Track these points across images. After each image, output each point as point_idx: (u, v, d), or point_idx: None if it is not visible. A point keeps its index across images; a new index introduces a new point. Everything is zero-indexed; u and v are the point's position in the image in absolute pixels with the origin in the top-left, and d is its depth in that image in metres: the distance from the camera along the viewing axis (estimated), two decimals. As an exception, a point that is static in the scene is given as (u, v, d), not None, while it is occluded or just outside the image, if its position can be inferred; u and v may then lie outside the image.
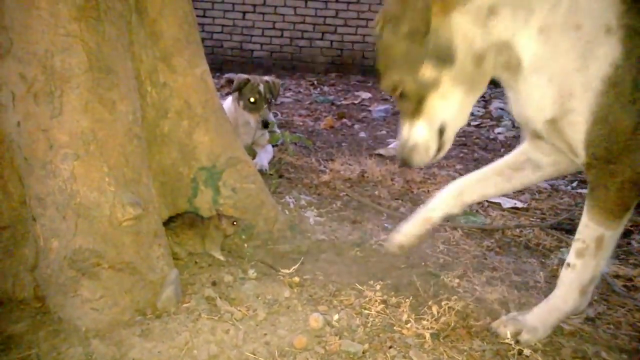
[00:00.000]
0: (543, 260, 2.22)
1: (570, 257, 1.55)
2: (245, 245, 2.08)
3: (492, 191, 1.82)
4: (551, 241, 2.40)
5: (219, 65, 7.19)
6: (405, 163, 1.59)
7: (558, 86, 1.39)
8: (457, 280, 1.90)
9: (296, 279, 1.85)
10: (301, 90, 6.60)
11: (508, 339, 1.54)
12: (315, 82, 7.03)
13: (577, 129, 1.39)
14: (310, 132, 4.49)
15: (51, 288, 1.56)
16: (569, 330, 1.66)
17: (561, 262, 2.15)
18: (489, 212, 2.77)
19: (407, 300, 1.72)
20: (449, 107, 1.49)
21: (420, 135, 1.53)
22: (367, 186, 3.04)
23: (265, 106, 3.36)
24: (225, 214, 2.01)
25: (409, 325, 1.60)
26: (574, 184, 3.27)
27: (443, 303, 1.71)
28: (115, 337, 1.47)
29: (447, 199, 1.79)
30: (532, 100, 1.47)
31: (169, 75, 1.97)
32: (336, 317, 1.63)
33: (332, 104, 5.79)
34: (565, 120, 1.40)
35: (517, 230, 2.51)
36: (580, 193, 3.09)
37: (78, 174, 1.53)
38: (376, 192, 2.96)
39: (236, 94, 3.38)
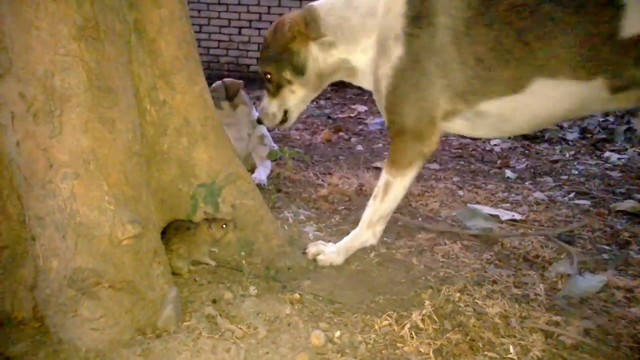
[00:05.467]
0: (542, 272, 2.21)
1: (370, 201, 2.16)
2: (244, 261, 2.07)
3: None
4: (550, 253, 2.40)
5: (215, 80, 7.17)
6: (259, 121, 2.47)
7: (373, 75, 2.07)
8: (457, 295, 1.89)
9: (297, 295, 1.84)
10: (297, 104, 6.61)
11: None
12: (312, 96, 7.05)
13: (383, 98, 2.01)
14: (308, 146, 4.50)
15: (51, 308, 1.54)
16: (571, 344, 1.65)
17: (560, 273, 2.16)
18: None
19: (408, 315, 1.71)
20: (294, 98, 2.32)
21: (272, 109, 2.36)
22: (365, 199, 3.00)
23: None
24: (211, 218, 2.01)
25: (411, 342, 1.59)
26: (571, 195, 3.29)
27: (445, 318, 1.70)
28: (115, 357, 1.46)
29: None
30: (365, 84, 2.22)
31: (168, 93, 1.98)
32: (338, 333, 1.62)
33: (329, 117, 5.80)
34: (380, 94, 2.03)
35: (517, 242, 2.51)
36: (578, 204, 3.11)
37: (78, 193, 1.53)
38: (374, 206, 2.96)
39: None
